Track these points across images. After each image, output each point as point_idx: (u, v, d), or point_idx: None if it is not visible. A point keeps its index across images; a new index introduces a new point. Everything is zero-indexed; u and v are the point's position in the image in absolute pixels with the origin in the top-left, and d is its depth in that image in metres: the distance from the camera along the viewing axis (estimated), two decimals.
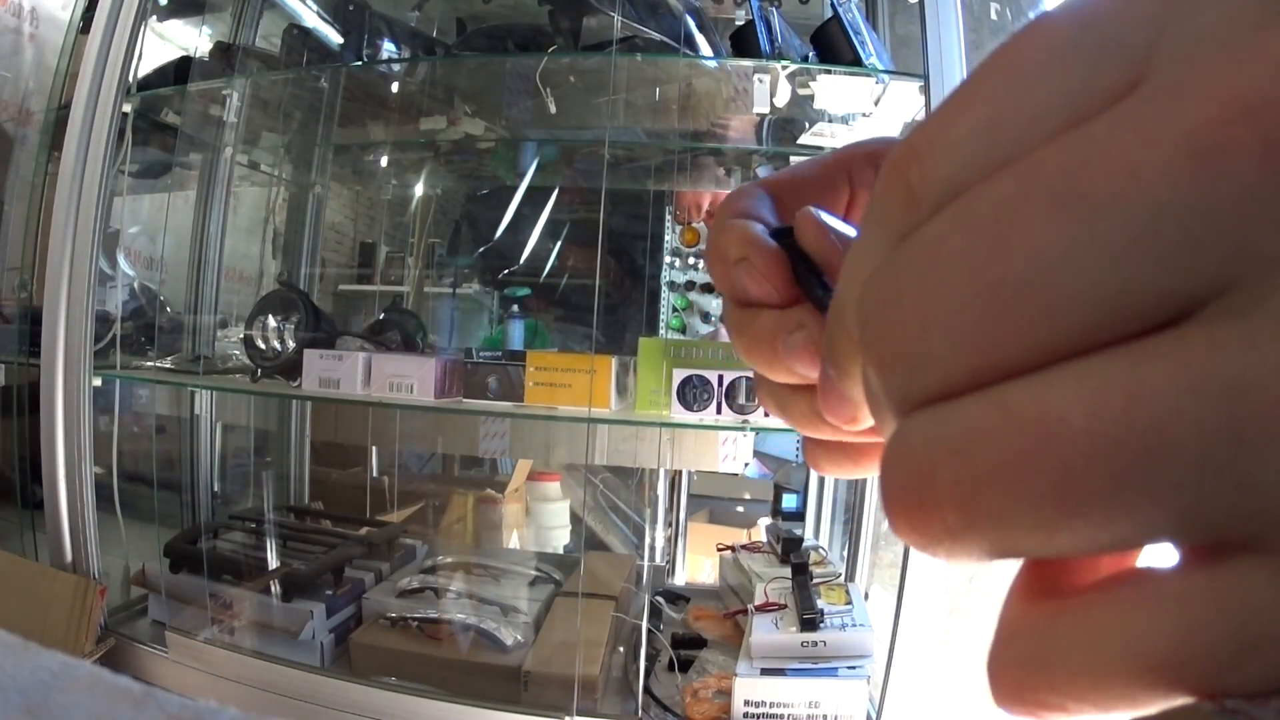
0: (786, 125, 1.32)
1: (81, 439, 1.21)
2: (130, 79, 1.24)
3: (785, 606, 1.07)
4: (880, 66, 1.12)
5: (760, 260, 0.21)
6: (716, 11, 1.38)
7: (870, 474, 0.21)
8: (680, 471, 1.74)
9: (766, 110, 1.19)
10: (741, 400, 1.06)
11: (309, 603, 1.15)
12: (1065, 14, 0.13)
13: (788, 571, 1.15)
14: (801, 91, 1.17)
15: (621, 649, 1.18)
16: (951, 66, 1.02)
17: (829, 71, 1.13)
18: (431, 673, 1.09)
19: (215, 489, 1.61)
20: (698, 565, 1.85)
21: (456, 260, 2.25)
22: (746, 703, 0.97)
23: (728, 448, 1.16)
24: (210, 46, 1.42)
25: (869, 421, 0.19)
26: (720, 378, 1.06)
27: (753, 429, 1.10)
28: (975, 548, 0.13)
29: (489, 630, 1.12)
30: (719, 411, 1.07)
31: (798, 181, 0.24)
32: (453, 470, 2.12)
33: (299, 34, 1.40)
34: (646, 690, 1.08)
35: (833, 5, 1.15)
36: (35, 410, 1.25)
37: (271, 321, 1.23)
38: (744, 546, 1.36)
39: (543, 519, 1.89)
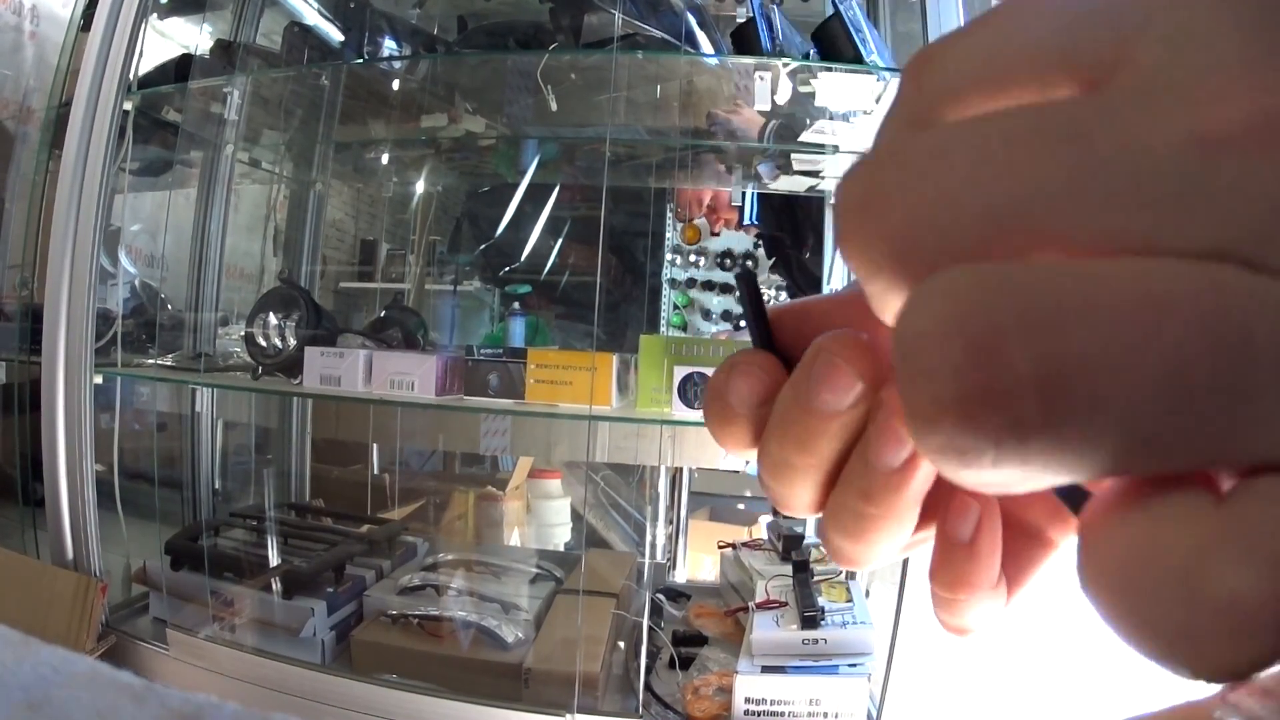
0: (788, 123, 1.32)
1: (82, 436, 1.21)
2: (131, 77, 1.24)
3: (786, 604, 1.07)
4: (881, 64, 1.12)
5: (744, 356, 0.20)
6: (717, 9, 1.38)
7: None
8: (681, 469, 1.74)
9: (767, 108, 1.19)
10: None
11: (310, 600, 1.15)
12: None
13: (789, 569, 1.15)
14: (802, 89, 1.16)
15: (622, 646, 1.18)
16: None
17: (830, 69, 1.12)
18: (432, 670, 1.10)
19: (216, 486, 1.61)
20: (698, 563, 1.85)
21: (457, 258, 2.25)
22: (747, 700, 0.97)
23: None
24: (211, 44, 1.42)
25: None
26: None
27: None
28: (1038, 454, 0.11)
29: (490, 628, 1.12)
30: None
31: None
32: (454, 468, 2.12)
33: (300, 31, 1.40)
34: (647, 687, 1.08)
35: (834, 3, 1.15)
36: (36, 408, 1.25)
37: (272, 319, 1.23)
38: (745, 544, 1.36)
39: (544, 516, 1.90)
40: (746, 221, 2.17)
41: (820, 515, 0.19)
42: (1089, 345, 0.11)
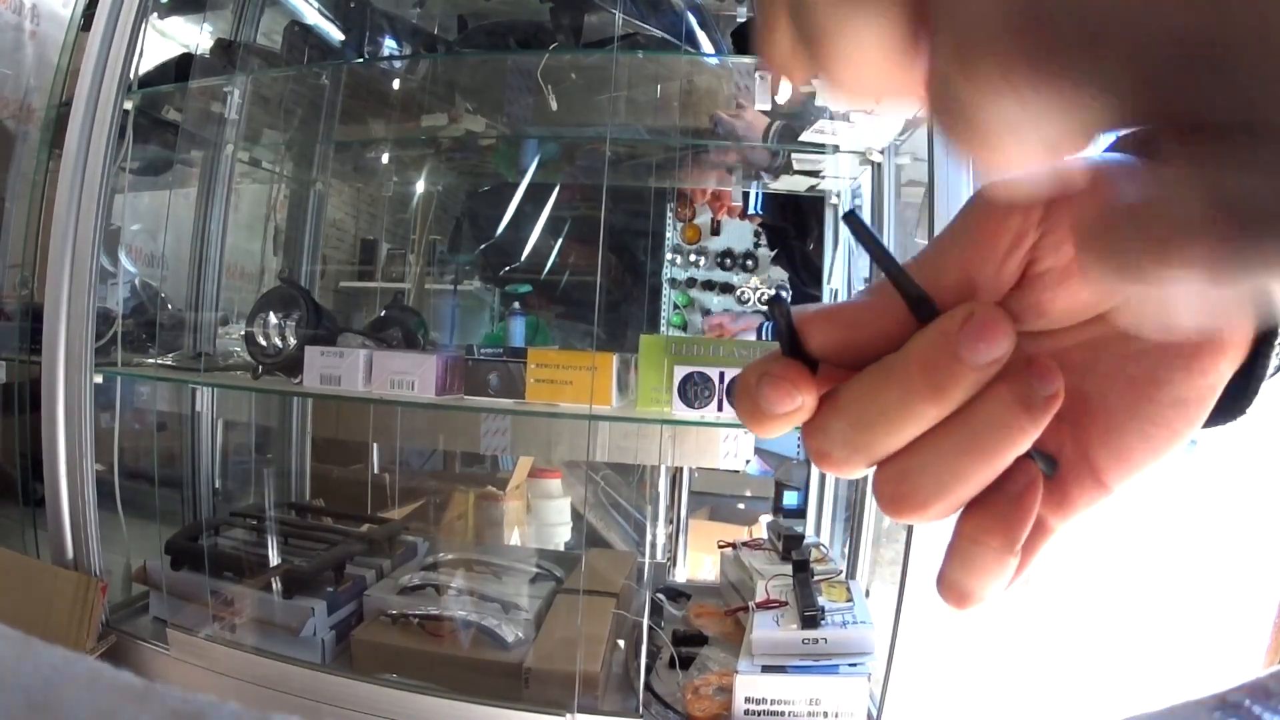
0: (790, 123, 1.32)
1: (83, 436, 1.21)
2: (131, 76, 1.24)
3: (786, 604, 1.07)
4: None
5: (775, 366, 0.22)
6: (717, 9, 1.37)
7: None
8: (681, 468, 1.75)
9: (768, 107, 1.19)
10: None
11: (310, 600, 1.15)
12: None
13: (789, 568, 1.15)
14: (802, 89, 1.16)
15: (622, 645, 1.18)
16: None
17: None
18: (433, 670, 1.10)
19: (216, 486, 1.61)
20: (699, 562, 1.85)
21: (458, 257, 2.25)
22: (747, 700, 0.97)
23: (729, 445, 1.16)
24: (211, 43, 1.42)
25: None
26: (721, 375, 1.06)
27: None
28: (1066, 71, 0.13)
29: (490, 627, 1.12)
30: (720, 409, 1.07)
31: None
32: (454, 467, 2.12)
33: (300, 31, 1.41)
34: (647, 687, 1.08)
35: None
36: (36, 407, 1.25)
37: (273, 318, 1.23)
38: (745, 543, 1.36)
39: (544, 516, 1.90)
40: (751, 211, 2.18)
41: (874, 469, 0.22)
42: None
